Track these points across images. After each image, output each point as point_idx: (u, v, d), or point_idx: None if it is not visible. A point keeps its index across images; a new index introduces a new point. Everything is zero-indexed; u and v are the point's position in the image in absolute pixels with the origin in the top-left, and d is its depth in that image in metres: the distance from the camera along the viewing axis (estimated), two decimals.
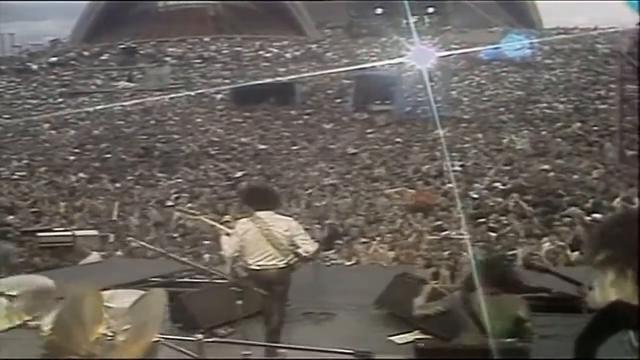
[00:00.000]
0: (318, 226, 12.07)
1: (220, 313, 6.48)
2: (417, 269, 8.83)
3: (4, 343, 4.89)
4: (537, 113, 25.55)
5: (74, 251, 11.46)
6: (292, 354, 4.88)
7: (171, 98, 30.82)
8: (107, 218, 14.56)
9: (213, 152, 22.45)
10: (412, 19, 36.53)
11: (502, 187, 15.16)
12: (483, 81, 32.11)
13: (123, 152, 22.96)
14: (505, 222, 12.06)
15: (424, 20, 40.48)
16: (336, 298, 7.60)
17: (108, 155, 22.60)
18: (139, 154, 22.55)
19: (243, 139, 24.08)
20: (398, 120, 25.52)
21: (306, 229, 6.65)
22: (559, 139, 20.90)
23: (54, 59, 41.23)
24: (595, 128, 21.97)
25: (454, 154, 18.20)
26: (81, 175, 19.91)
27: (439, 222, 12.27)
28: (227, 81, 33.74)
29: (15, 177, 20.13)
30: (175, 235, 12.74)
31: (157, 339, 3.31)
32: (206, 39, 43.65)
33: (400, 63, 27.44)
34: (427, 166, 18.03)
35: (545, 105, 26.80)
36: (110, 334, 3.08)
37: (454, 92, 28.94)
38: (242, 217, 6.29)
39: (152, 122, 27.92)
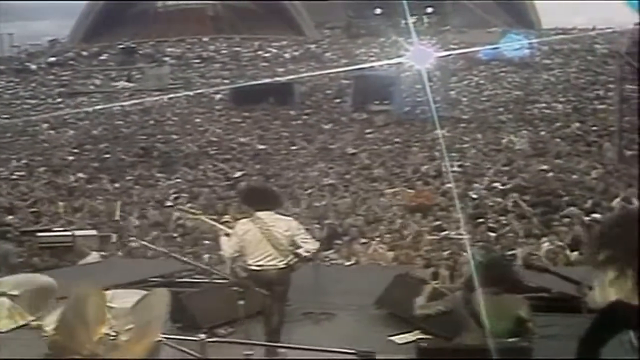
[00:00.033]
0: (317, 226, 12.06)
1: (220, 313, 6.49)
2: (417, 269, 8.82)
3: (4, 343, 4.89)
4: (536, 113, 25.58)
5: (73, 251, 11.45)
6: (295, 354, 4.88)
7: (170, 98, 30.85)
8: (107, 218, 14.55)
9: (212, 152, 22.44)
10: (411, 19, 36.54)
11: (501, 187, 15.15)
12: (482, 81, 32.14)
13: (122, 152, 22.95)
14: (504, 222, 12.05)
15: (423, 21, 40.51)
16: (336, 298, 7.60)
17: (107, 156, 22.58)
18: (138, 154, 22.54)
19: (242, 139, 24.08)
20: (397, 121, 25.52)
21: (306, 229, 6.65)
22: (557, 139, 20.90)
23: (53, 59, 41.25)
24: (594, 128, 21.99)
25: (453, 154, 18.20)
26: (80, 175, 19.88)
27: (438, 222, 12.25)
28: (226, 81, 33.77)
29: (14, 177, 20.12)
30: (175, 235, 12.73)
31: (159, 338, 3.31)
32: (205, 39, 43.69)
33: (399, 63, 27.50)
34: (426, 166, 18.02)
35: (544, 105, 26.83)
36: (113, 333, 3.09)
37: (452, 92, 28.95)
38: (242, 218, 6.29)
39: (151, 122, 27.92)
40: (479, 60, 34.29)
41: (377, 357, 3.88)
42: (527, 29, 41.58)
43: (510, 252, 9.69)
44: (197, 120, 27.83)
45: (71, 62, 40.83)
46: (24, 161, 22.45)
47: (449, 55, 31.46)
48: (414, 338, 6.08)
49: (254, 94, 28.99)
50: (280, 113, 27.94)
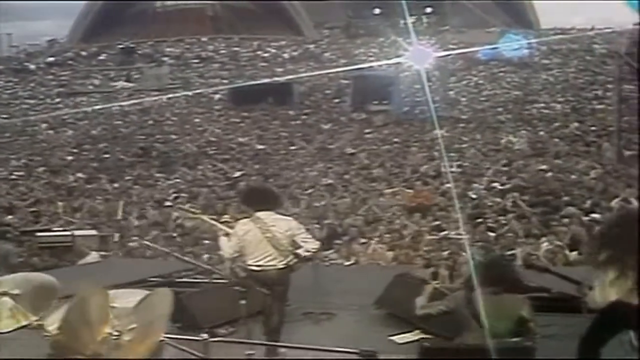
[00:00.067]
0: (317, 226, 12.07)
1: (220, 313, 6.50)
2: (416, 269, 8.83)
3: (4, 343, 4.88)
4: (535, 113, 25.58)
5: (72, 251, 11.45)
6: (297, 354, 4.90)
7: (169, 98, 30.85)
8: (106, 218, 14.56)
9: (211, 152, 22.44)
10: (410, 19, 36.48)
11: (500, 187, 15.16)
12: (481, 81, 32.15)
13: (121, 152, 22.94)
14: (503, 222, 12.06)
15: (422, 21, 40.45)
16: (336, 298, 7.60)
17: (106, 156, 22.58)
18: (137, 154, 22.53)
19: (241, 139, 24.08)
20: (396, 121, 25.52)
21: (305, 229, 6.65)
22: (556, 139, 20.90)
23: (52, 59, 41.23)
24: (593, 128, 21.99)
25: (452, 154, 18.19)
26: (79, 175, 19.89)
27: (437, 222, 12.25)
28: (225, 81, 33.76)
29: (13, 177, 20.13)
30: (174, 235, 12.73)
31: (162, 338, 3.32)
32: (204, 39, 43.68)
33: (398, 63, 27.51)
34: (425, 166, 18.03)
35: (542, 105, 26.83)
36: (116, 333, 3.09)
37: (451, 92, 28.94)
38: (242, 218, 6.29)
39: (150, 122, 27.91)
40: (478, 60, 34.30)
41: (378, 357, 3.89)
42: (525, 29, 41.58)
43: (509, 252, 9.70)
44: (196, 120, 27.82)
45: (70, 62, 40.81)
46: (23, 161, 22.46)
47: (448, 55, 31.46)
48: (414, 338, 6.10)
49: (253, 94, 28.99)
50: (279, 113, 27.93)
